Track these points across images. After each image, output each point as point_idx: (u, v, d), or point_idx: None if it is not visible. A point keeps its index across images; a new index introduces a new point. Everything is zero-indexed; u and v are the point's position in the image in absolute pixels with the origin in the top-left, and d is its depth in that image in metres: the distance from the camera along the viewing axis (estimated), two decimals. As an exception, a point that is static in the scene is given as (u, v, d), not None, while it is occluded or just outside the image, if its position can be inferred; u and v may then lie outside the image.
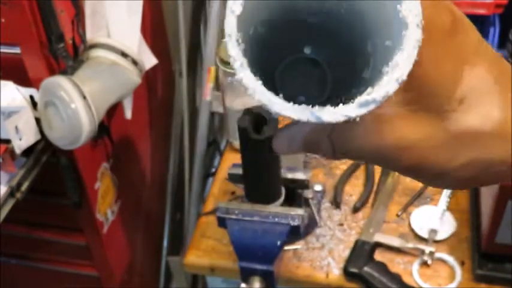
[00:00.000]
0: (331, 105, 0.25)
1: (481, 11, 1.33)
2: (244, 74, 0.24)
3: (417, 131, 0.30)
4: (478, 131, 0.30)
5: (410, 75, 0.26)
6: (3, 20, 0.97)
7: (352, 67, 0.31)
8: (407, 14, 0.24)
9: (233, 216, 0.92)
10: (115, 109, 1.26)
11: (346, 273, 1.06)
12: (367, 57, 0.29)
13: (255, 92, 0.24)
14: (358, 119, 0.25)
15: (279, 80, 0.33)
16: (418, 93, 0.29)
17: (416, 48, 0.24)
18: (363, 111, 0.24)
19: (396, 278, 1.01)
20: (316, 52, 0.32)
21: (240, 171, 0.92)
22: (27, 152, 1.04)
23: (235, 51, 0.24)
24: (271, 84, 0.32)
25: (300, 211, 0.91)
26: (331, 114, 0.24)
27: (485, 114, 0.30)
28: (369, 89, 0.25)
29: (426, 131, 0.30)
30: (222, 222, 0.93)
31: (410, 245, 1.06)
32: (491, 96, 0.30)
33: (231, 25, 0.25)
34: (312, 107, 0.25)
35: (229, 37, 0.25)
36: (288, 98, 0.26)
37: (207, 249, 1.11)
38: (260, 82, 0.25)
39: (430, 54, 0.28)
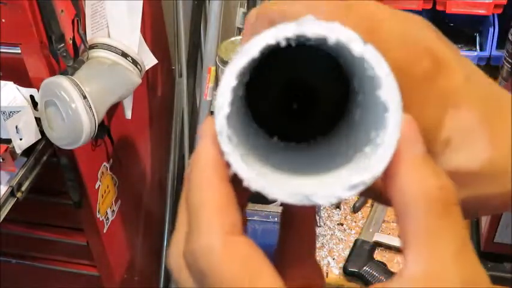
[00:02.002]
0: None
1: (480, 11, 1.33)
2: (240, 168, 0.24)
3: None
4: (466, 171, 0.30)
5: None
6: (3, 20, 0.97)
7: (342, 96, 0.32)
8: (386, 99, 0.24)
9: (233, 216, 0.92)
10: (115, 109, 1.27)
11: (346, 272, 1.06)
12: (357, 100, 0.29)
13: (249, 182, 0.24)
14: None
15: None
16: None
17: (399, 128, 0.24)
18: (353, 192, 0.24)
19: (396, 278, 1.01)
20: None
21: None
22: (28, 151, 1.04)
23: (228, 148, 0.25)
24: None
25: (299, 211, 0.91)
26: (325, 198, 0.24)
27: (472, 154, 0.29)
28: (357, 163, 0.25)
29: None
30: (222, 222, 0.93)
31: (409, 244, 1.06)
32: (477, 135, 0.29)
33: (220, 123, 0.24)
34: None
35: (220, 134, 0.25)
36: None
37: (207, 248, 1.11)
38: (254, 173, 0.25)
39: (410, 100, 0.27)
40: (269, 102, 0.33)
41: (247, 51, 0.24)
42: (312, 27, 0.24)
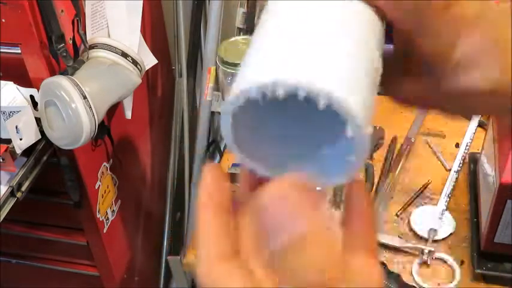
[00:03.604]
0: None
1: (481, 11, 1.33)
2: (259, 170, 0.36)
3: (417, 89, 0.35)
4: (475, 91, 0.31)
5: (410, 45, 0.33)
6: (3, 20, 0.97)
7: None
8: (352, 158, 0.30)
9: (233, 216, 0.92)
10: (115, 109, 1.27)
11: (346, 272, 1.06)
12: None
13: (271, 175, 0.36)
14: None
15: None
16: (417, 61, 0.33)
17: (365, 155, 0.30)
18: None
19: (396, 278, 1.01)
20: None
21: (239, 171, 0.92)
22: (28, 151, 1.04)
23: (251, 165, 0.35)
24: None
25: (299, 211, 0.91)
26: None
27: (483, 75, 0.31)
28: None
29: (425, 88, 0.34)
30: (222, 222, 0.93)
31: (409, 244, 1.06)
32: (489, 58, 0.31)
33: (238, 157, 0.33)
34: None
35: (241, 169, 0.35)
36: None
37: (207, 248, 1.11)
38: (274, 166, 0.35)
39: (426, 27, 0.31)
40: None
41: None
42: None
